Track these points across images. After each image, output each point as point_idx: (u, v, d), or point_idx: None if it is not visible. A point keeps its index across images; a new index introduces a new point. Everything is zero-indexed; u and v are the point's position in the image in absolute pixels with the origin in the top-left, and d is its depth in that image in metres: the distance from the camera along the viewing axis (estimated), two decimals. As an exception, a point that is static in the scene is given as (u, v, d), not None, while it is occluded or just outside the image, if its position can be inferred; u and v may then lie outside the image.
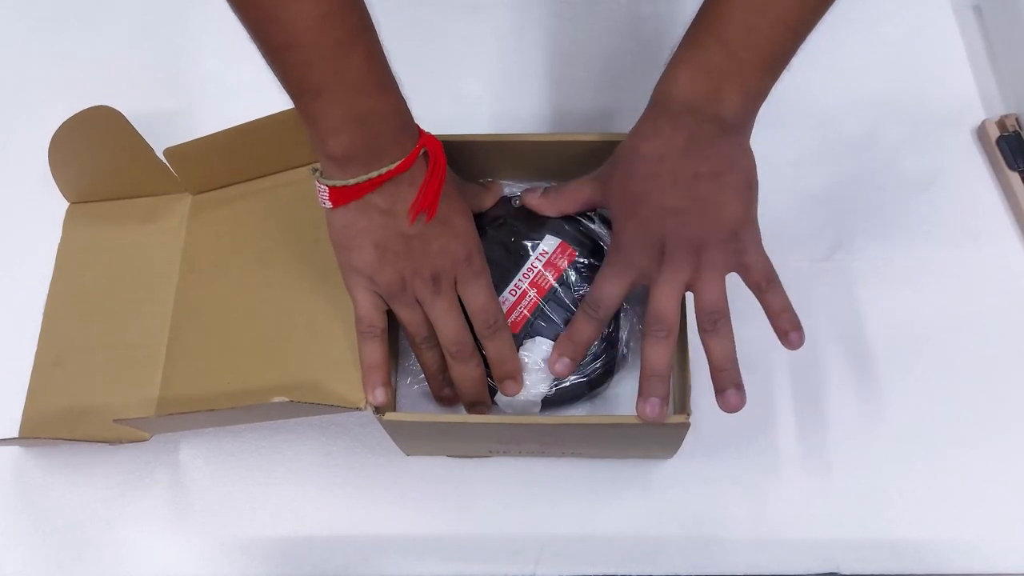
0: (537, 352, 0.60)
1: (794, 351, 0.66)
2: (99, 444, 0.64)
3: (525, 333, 0.61)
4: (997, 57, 0.77)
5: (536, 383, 0.60)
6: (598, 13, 0.81)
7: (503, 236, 0.63)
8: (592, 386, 0.62)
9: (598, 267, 0.61)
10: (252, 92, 0.75)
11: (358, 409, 0.56)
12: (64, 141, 0.68)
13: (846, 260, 0.70)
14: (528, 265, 0.62)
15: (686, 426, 0.56)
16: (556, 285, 0.61)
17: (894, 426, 0.65)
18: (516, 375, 0.59)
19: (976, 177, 0.73)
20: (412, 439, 0.63)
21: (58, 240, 0.73)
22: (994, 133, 0.73)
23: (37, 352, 0.69)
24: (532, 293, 0.61)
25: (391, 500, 0.65)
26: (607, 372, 0.62)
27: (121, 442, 0.63)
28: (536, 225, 0.63)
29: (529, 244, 0.62)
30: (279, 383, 0.60)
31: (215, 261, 0.68)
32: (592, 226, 0.63)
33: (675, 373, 0.60)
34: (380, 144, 0.52)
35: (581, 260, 0.62)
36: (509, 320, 0.60)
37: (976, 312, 0.68)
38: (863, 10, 0.80)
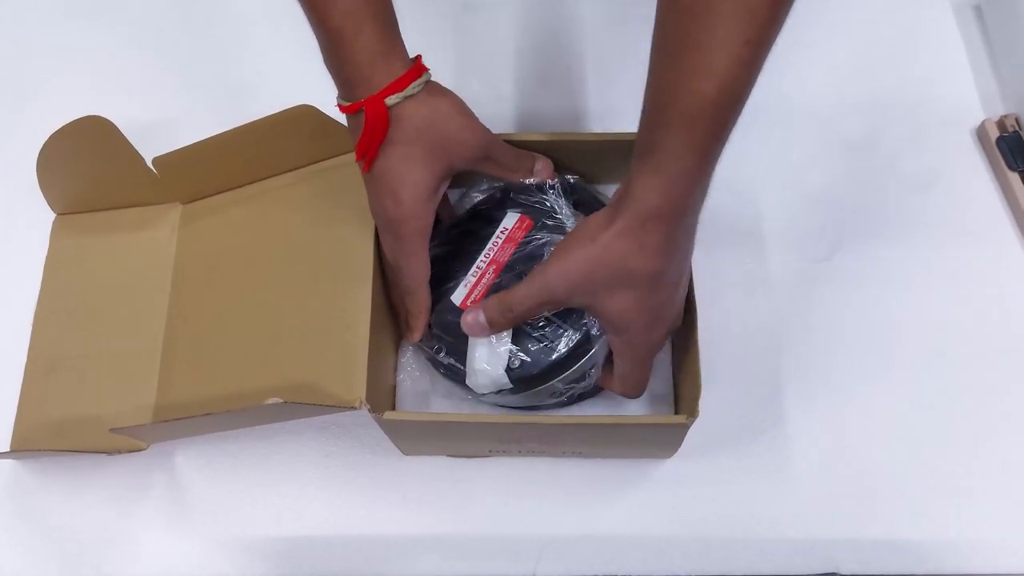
0: None
1: (794, 352, 0.67)
2: (95, 453, 0.64)
3: None
4: (997, 57, 0.77)
5: (492, 358, 0.59)
6: (599, 12, 0.81)
7: (471, 221, 0.64)
8: (559, 364, 0.59)
9: (550, 233, 0.61)
10: (242, 97, 0.76)
11: (353, 408, 0.56)
12: (53, 151, 0.67)
13: (846, 260, 0.70)
14: (490, 243, 0.62)
15: (686, 426, 0.56)
16: (513, 258, 0.61)
17: (894, 426, 0.65)
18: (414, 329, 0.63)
19: (976, 177, 0.73)
20: (411, 439, 0.63)
21: (45, 252, 0.72)
22: (994, 133, 0.73)
23: (27, 363, 0.68)
24: (491, 271, 0.61)
25: (391, 500, 0.65)
26: (577, 345, 0.59)
27: (119, 452, 0.63)
28: (501, 205, 0.64)
29: (493, 224, 0.63)
30: (275, 386, 0.60)
31: (207, 268, 0.68)
32: (556, 199, 0.63)
33: (683, 374, 0.60)
34: (344, 79, 0.55)
35: (538, 230, 0.62)
36: (470, 299, 0.61)
37: (976, 312, 0.68)
38: (863, 10, 0.80)
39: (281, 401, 0.54)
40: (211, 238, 0.69)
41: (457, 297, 0.61)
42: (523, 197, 0.63)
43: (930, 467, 0.64)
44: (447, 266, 0.63)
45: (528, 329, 0.59)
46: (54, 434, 0.66)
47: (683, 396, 0.62)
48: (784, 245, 0.71)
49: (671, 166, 0.49)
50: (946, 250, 0.71)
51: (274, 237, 0.67)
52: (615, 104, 0.77)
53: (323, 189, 0.67)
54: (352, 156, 0.57)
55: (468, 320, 0.58)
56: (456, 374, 0.61)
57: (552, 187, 0.63)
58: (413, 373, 0.66)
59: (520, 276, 0.60)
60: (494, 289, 0.61)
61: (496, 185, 0.65)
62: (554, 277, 0.55)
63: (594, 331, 0.58)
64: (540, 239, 0.61)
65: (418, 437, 0.62)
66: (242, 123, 0.65)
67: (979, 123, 0.74)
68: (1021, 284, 0.69)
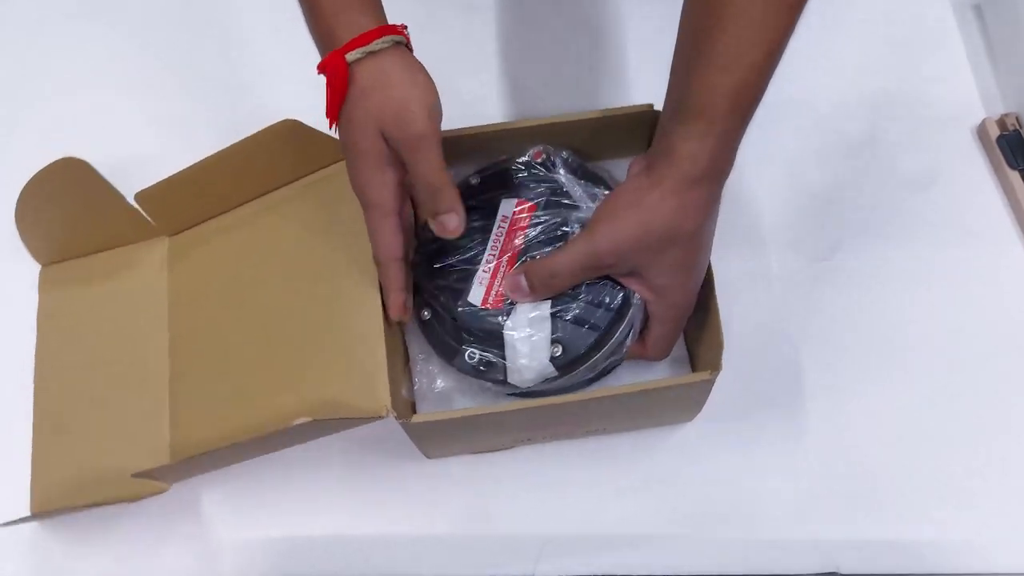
0: (520, 319, 0.58)
1: (794, 351, 0.67)
2: (107, 518, 0.63)
3: (508, 308, 0.59)
4: (997, 56, 0.77)
5: (534, 350, 0.58)
6: (599, 11, 0.81)
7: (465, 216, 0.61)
8: (599, 341, 0.58)
9: (559, 210, 0.60)
10: (243, 97, 0.75)
11: (380, 418, 0.55)
12: (32, 198, 0.65)
13: (846, 259, 0.70)
14: (494, 236, 0.60)
15: (710, 382, 0.56)
16: (526, 245, 0.60)
17: (894, 425, 0.65)
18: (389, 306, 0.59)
19: (976, 176, 0.73)
20: (437, 440, 0.62)
21: (35, 305, 0.71)
22: (994, 132, 0.73)
23: (34, 422, 0.67)
24: (504, 262, 0.60)
25: (390, 500, 0.65)
26: (613, 320, 0.58)
27: (141, 498, 0.61)
28: (491, 194, 0.62)
29: (489, 215, 0.61)
30: (294, 408, 0.58)
31: (204, 299, 0.67)
32: (552, 173, 0.61)
33: (701, 334, 0.61)
34: (316, 35, 0.54)
35: (544, 210, 0.60)
36: (490, 299, 0.59)
37: (976, 311, 0.68)
38: (863, 10, 0.80)
39: (309, 420, 0.53)
40: (204, 267, 0.68)
41: (476, 298, 0.59)
42: (510, 180, 0.61)
43: (930, 467, 0.64)
44: (450, 269, 0.61)
45: (563, 312, 0.58)
46: (73, 490, 0.64)
47: (701, 356, 0.62)
48: (784, 244, 0.71)
49: (718, 129, 0.51)
50: (946, 249, 0.70)
51: (271, 258, 0.65)
52: (617, 103, 0.77)
53: (315, 202, 0.65)
54: (339, 166, 0.56)
55: (510, 283, 0.58)
56: (493, 374, 0.59)
57: (553, 163, 0.62)
58: (430, 375, 0.65)
59: None
60: None
61: (476, 172, 0.63)
62: (603, 242, 0.55)
63: (635, 300, 0.58)
64: (554, 219, 0.60)
65: (445, 437, 0.61)
66: (241, 122, 0.64)
67: (979, 122, 0.74)
68: (1021, 283, 0.69)
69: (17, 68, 0.82)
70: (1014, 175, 0.71)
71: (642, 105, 0.63)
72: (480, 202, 0.62)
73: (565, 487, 0.64)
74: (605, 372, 0.63)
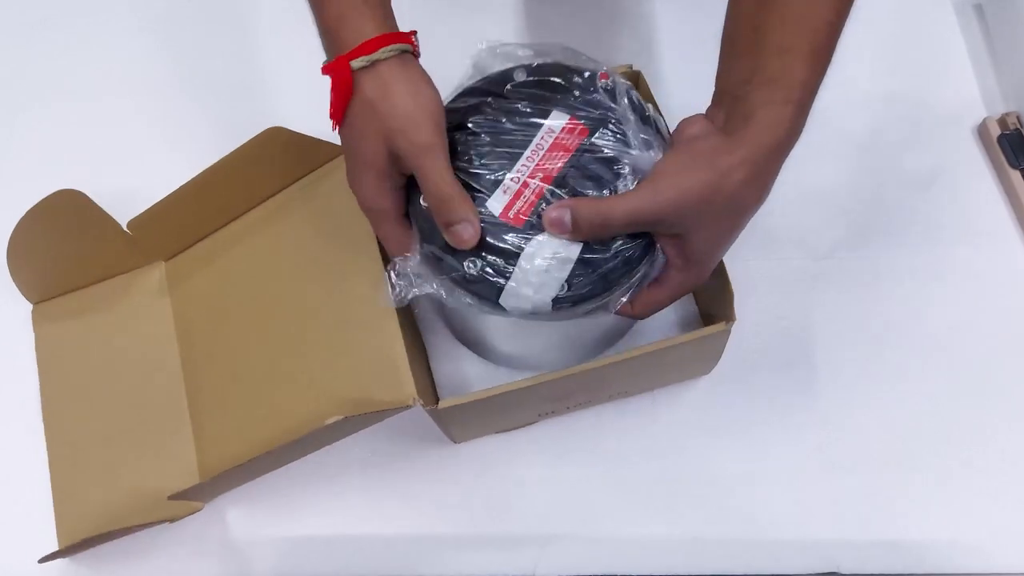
0: (543, 251, 0.52)
1: (793, 349, 0.67)
2: (131, 538, 0.62)
3: (528, 227, 0.52)
4: (998, 55, 0.77)
5: (543, 286, 0.52)
6: (599, 12, 0.81)
7: (502, 113, 0.55)
8: (598, 292, 0.53)
9: (613, 144, 0.54)
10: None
11: (407, 408, 0.55)
12: (25, 235, 0.64)
13: (847, 258, 0.70)
14: (532, 147, 0.54)
15: (727, 332, 0.56)
16: (565, 170, 0.53)
17: (894, 425, 0.65)
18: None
19: (977, 175, 0.73)
20: (466, 423, 0.62)
21: (28, 346, 0.69)
22: (995, 131, 0.73)
23: (50, 460, 0.66)
24: (537, 180, 0.53)
25: (390, 500, 0.65)
26: (627, 276, 0.53)
27: (175, 520, 0.61)
28: (541, 99, 0.55)
29: (533, 122, 0.54)
30: (321, 410, 0.57)
31: (213, 316, 0.66)
32: (611, 103, 0.55)
33: (711, 292, 0.61)
34: (321, 32, 0.53)
35: (595, 140, 0.54)
36: (511, 212, 0.52)
37: (977, 310, 0.68)
38: (864, 9, 0.79)
39: (341, 418, 0.53)
40: (208, 284, 0.67)
41: (495, 206, 0.52)
42: (565, 93, 0.55)
43: (930, 466, 0.64)
44: (471, 164, 0.54)
45: (588, 258, 0.52)
46: (102, 522, 0.62)
47: (713, 313, 0.63)
48: (785, 243, 0.71)
49: (797, 96, 0.49)
50: (947, 248, 0.70)
51: (273, 265, 0.65)
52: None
53: (311, 204, 0.65)
54: (330, 166, 0.55)
55: (552, 216, 0.51)
56: (485, 291, 0.52)
57: (616, 91, 0.55)
58: (442, 360, 0.66)
59: (573, 193, 0.52)
60: (542, 204, 0.52)
61: (524, 67, 0.56)
62: (667, 196, 0.50)
63: (656, 263, 0.53)
64: (604, 152, 0.53)
65: (473, 419, 0.61)
66: (243, 129, 0.63)
67: (980, 121, 0.74)
68: (1021, 282, 0.69)
69: (16, 69, 0.82)
70: (1015, 174, 0.71)
71: (621, 66, 0.62)
72: (520, 100, 0.55)
73: (561, 489, 0.64)
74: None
